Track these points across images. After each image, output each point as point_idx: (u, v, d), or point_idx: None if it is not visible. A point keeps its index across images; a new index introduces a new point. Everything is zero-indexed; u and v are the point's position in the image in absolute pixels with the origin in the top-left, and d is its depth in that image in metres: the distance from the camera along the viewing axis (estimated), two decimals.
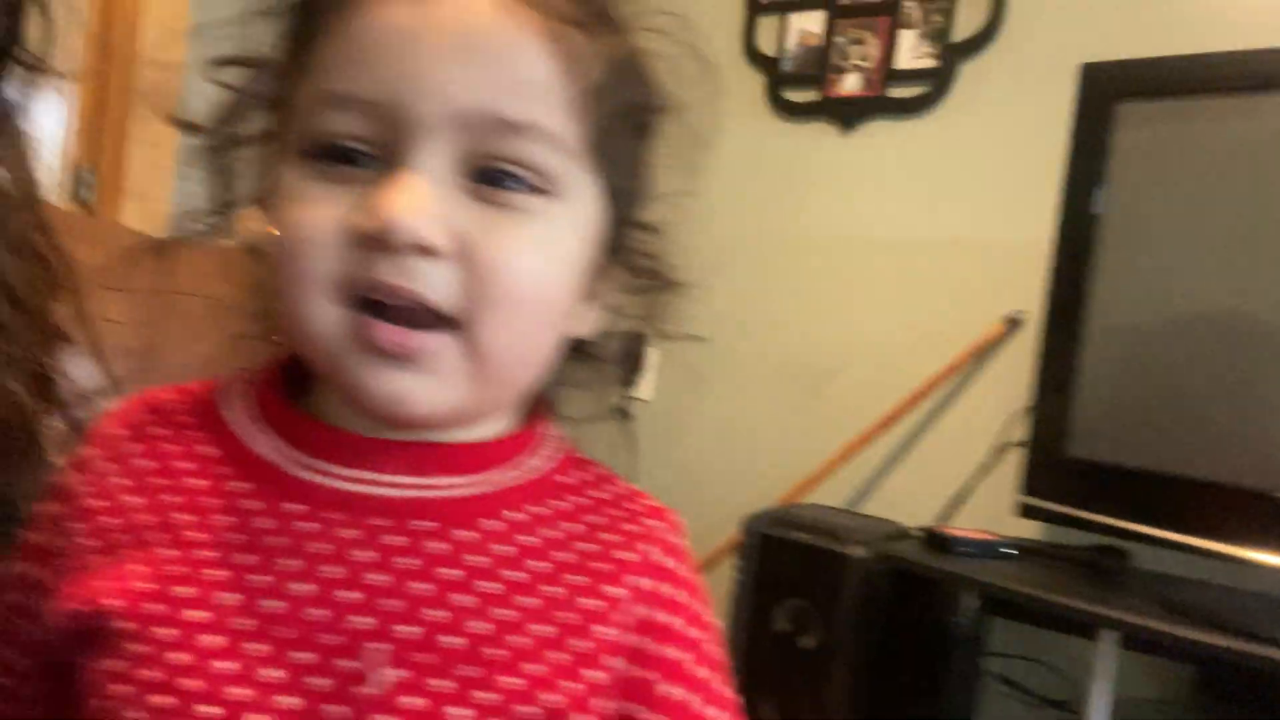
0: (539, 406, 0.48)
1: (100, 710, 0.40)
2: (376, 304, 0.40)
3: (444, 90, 0.39)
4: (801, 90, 1.83)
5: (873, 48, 1.76)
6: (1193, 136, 1.28)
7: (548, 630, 0.42)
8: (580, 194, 0.43)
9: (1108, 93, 1.31)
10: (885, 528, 1.48)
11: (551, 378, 0.46)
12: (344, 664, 0.40)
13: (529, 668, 0.41)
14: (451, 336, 0.40)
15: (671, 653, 0.44)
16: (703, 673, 0.45)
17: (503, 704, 0.40)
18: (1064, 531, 1.36)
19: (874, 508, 1.70)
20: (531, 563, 0.43)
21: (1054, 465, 1.33)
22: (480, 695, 0.40)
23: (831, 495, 1.68)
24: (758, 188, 1.78)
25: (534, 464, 0.46)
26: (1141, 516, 1.24)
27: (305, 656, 0.40)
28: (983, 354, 1.62)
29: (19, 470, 0.52)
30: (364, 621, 0.40)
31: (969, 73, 1.68)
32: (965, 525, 1.46)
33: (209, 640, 0.40)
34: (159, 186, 1.60)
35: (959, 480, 1.53)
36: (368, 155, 0.40)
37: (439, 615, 0.41)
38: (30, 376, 0.53)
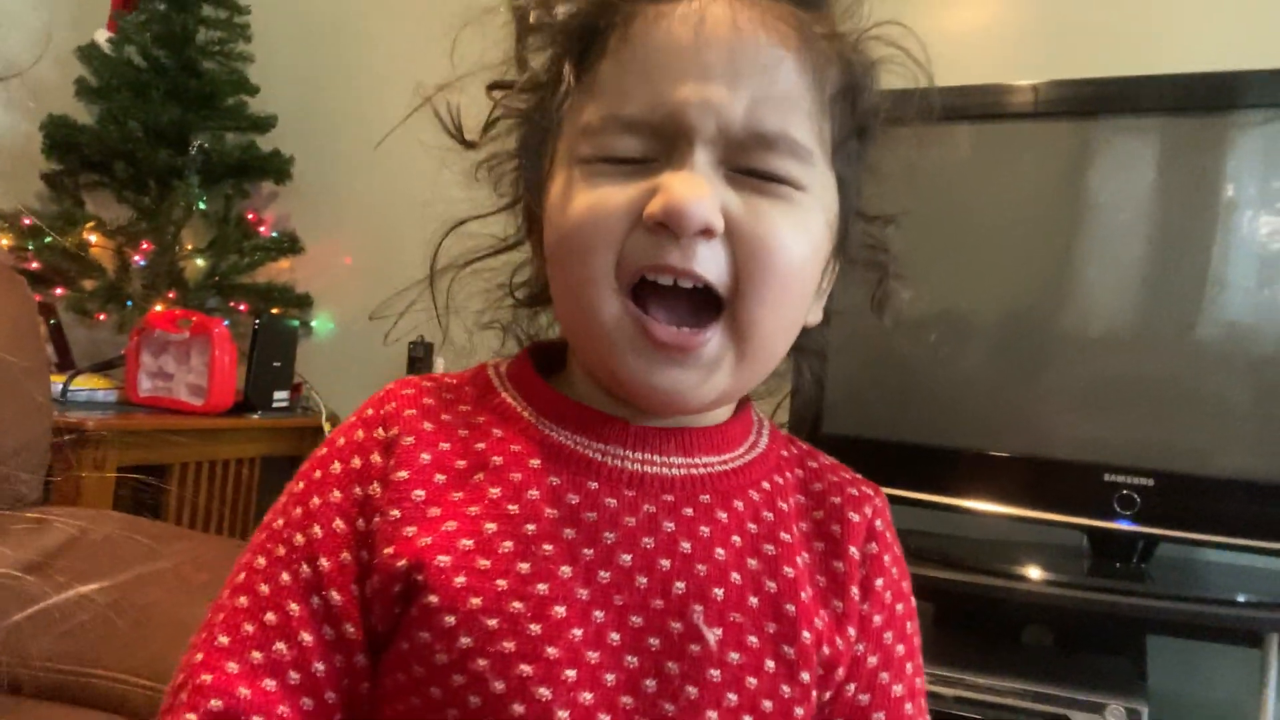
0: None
1: (421, 685, 0.42)
2: (649, 291, 0.44)
3: (713, 109, 0.44)
4: None
5: None
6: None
7: (813, 591, 0.46)
8: (823, 186, 0.47)
9: None
10: None
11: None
12: (674, 625, 0.43)
13: (817, 622, 0.45)
14: (719, 327, 0.44)
15: (879, 619, 0.49)
16: (909, 630, 0.50)
17: (799, 659, 0.44)
18: None
19: None
20: (793, 526, 0.48)
21: (813, 442, 1.52)
22: (786, 649, 0.44)
23: None
24: None
25: (758, 441, 0.51)
26: (882, 479, 1.51)
27: (638, 619, 0.43)
28: None
29: None
30: (680, 586, 0.44)
31: None
32: None
33: (558, 610, 0.42)
34: None
35: None
36: (644, 157, 0.45)
37: (737, 578, 0.45)
38: None
